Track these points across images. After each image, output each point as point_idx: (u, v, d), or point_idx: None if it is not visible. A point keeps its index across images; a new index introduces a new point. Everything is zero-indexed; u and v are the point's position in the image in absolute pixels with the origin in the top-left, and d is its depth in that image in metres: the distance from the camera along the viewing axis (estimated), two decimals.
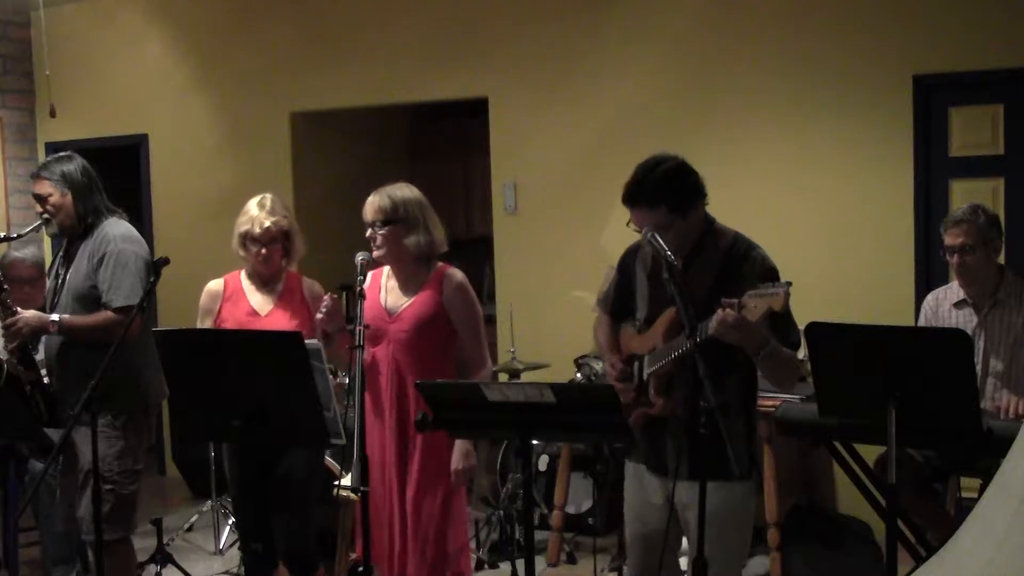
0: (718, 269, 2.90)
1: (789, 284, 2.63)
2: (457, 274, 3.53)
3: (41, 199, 3.96)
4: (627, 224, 2.99)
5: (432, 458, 3.48)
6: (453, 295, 3.49)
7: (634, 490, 3.15)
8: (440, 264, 3.57)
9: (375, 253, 3.50)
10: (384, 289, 3.59)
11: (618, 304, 3.26)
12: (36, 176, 4.01)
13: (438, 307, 3.48)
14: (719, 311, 2.68)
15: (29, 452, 4.57)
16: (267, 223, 3.80)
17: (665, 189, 2.88)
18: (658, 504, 3.06)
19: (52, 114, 5.87)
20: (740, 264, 2.92)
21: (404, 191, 3.53)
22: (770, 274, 2.86)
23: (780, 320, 2.81)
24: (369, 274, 3.64)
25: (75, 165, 3.99)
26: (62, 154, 4.15)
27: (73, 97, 7.18)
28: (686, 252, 2.92)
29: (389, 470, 3.53)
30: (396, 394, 3.50)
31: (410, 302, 3.50)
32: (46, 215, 3.96)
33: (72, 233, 3.99)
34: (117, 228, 3.94)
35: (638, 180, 2.90)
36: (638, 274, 3.14)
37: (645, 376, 3.03)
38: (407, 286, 3.54)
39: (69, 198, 3.94)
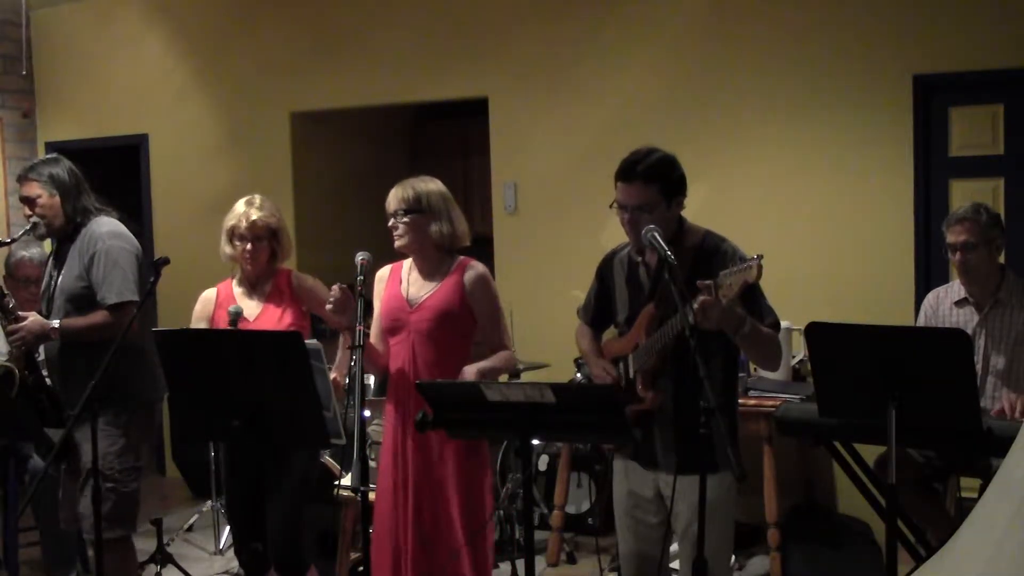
0: (690, 265, 2.93)
1: (760, 257, 2.67)
2: (479, 266, 3.55)
3: (30, 201, 3.95)
4: (610, 205, 3.03)
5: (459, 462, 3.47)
6: (475, 287, 3.50)
7: (623, 485, 3.18)
8: (462, 257, 3.58)
9: (396, 243, 3.51)
10: (406, 281, 3.58)
11: (598, 312, 3.32)
12: (24, 178, 3.98)
13: (461, 299, 3.48)
14: (696, 300, 2.72)
15: (37, 452, 4.58)
16: (254, 217, 3.84)
17: (661, 170, 2.99)
18: (648, 497, 3.10)
19: (25, 115, 5.89)
20: (711, 259, 2.96)
21: (428, 184, 3.55)
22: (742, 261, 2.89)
23: (754, 301, 2.88)
24: (386, 268, 3.65)
25: (62, 166, 3.99)
26: (48, 156, 4.16)
27: (73, 97, 7.19)
28: None
29: (405, 465, 3.50)
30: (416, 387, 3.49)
31: (432, 292, 3.50)
32: (35, 217, 3.96)
33: (61, 234, 3.99)
34: (104, 226, 3.94)
35: (636, 158, 2.99)
36: (616, 279, 3.20)
37: (632, 373, 3.07)
38: (430, 277, 3.54)
39: (58, 199, 3.93)
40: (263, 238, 3.85)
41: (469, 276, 3.50)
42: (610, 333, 3.31)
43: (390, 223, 3.51)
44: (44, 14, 7.21)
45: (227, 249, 3.88)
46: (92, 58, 7.14)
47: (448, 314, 3.46)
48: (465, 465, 3.47)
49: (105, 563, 3.62)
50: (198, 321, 3.93)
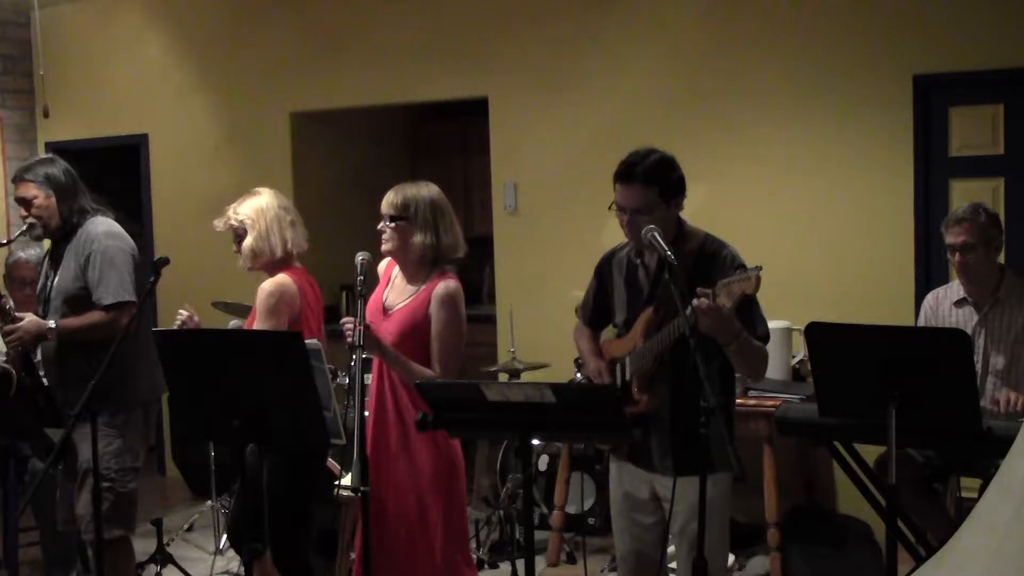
0: (690, 270, 2.92)
1: (759, 268, 2.67)
2: (450, 285, 3.46)
3: (25, 202, 3.93)
4: (609, 207, 3.03)
5: (410, 459, 3.48)
6: (436, 302, 3.43)
7: (619, 487, 3.18)
8: (443, 271, 3.51)
9: (382, 247, 3.51)
10: (391, 284, 3.60)
11: (596, 312, 3.31)
12: (19, 179, 3.96)
13: (426, 315, 3.44)
14: (694, 300, 2.72)
15: (33, 452, 4.58)
16: (229, 215, 3.84)
17: (660, 171, 2.98)
18: (643, 499, 3.10)
19: (46, 114, 5.88)
20: (711, 264, 2.96)
21: (421, 190, 3.50)
22: (741, 270, 2.88)
23: (748, 311, 2.87)
24: (384, 262, 3.66)
25: (58, 167, 3.98)
26: (44, 156, 4.14)
27: (73, 97, 7.19)
28: None
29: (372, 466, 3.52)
30: (378, 390, 3.52)
31: (403, 305, 3.49)
32: (31, 219, 3.94)
33: (57, 235, 3.98)
34: (100, 226, 3.93)
35: (635, 160, 2.98)
36: (615, 279, 3.20)
37: (628, 375, 3.07)
38: (408, 288, 3.53)
39: (54, 200, 3.92)
40: (239, 237, 3.84)
41: (436, 291, 3.44)
42: (610, 331, 3.32)
43: (379, 225, 3.51)
44: (44, 14, 7.19)
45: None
46: (92, 58, 7.14)
47: (413, 328, 3.43)
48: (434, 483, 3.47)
49: (104, 562, 3.61)
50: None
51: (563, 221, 5.75)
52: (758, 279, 2.65)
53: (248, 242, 3.81)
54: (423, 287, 3.48)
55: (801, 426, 3.75)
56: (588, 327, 3.37)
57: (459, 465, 3.53)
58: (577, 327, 3.42)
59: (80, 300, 3.86)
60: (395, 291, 3.56)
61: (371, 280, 3.55)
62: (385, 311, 3.53)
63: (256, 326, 3.76)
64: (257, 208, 3.84)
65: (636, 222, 2.95)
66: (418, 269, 3.51)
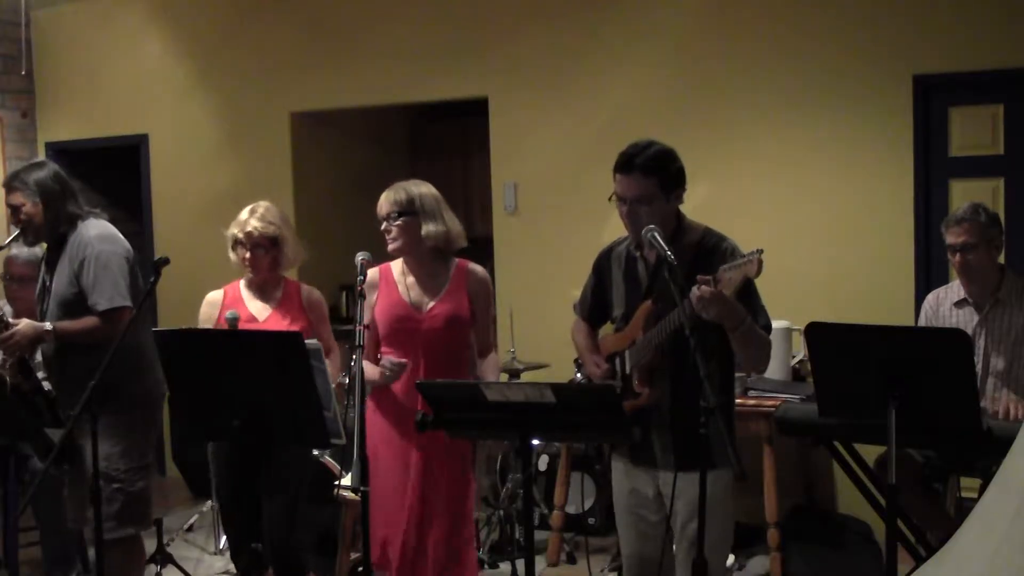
0: (689, 263, 2.91)
1: (760, 251, 2.65)
2: (480, 268, 3.63)
3: (15, 209, 3.93)
4: (609, 199, 3.02)
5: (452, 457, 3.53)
6: (480, 289, 3.60)
7: (624, 484, 3.17)
8: (459, 260, 3.61)
9: (390, 246, 3.51)
10: (403, 285, 3.58)
11: (594, 307, 3.31)
12: (7, 186, 3.96)
13: (468, 303, 3.55)
14: (695, 288, 2.71)
15: (33, 452, 4.58)
16: (249, 227, 3.85)
17: (660, 162, 2.97)
18: (649, 496, 3.09)
19: (23, 115, 5.91)
20: (711, 256, 2.95)
21: (420, 186, 3.57)
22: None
23: (749, 303, 2.87)
24: (374, 271, 3.63)
25: (47, 172, 3.95)
26: (34, 161, 4.13)
27: (73, 97, 7.19)
28: None
29: (410, 472, 3.53)
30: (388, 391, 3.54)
31: (440, 299, 3.52)
32: (21, 225, 3.94)
33: (49, 240, 3.97)
34: (93, 230, 3.91)
35: (635, 151, 2.98)
36: (614, 273, 3.19)
37: (628, 369, 3.06)
38: (431, 282, 3.55)
39: (41, 207, 3.90)
40: (261, 246, 3.87)
41: (473, 279, 3.56)
42: (606, 329, 3.31)
43: (383, 227, 3.52)
44: (44, 14, 7.21)
45: (232, 255, 3.91)
46: (92, 58, 7.14)
47: (458, 319, 3.52)
48: (454, 490, 3.54)
49: (113, 561, 3.61)
50: (205, 323, 3.93)
51: (563, 221, 5.75)
52: (760, 262, 2.64)
53: (290, 252, 3.93)
54: (450, 278, 3.54)
55: (801, 426, 3.75)
56: (586, 322, 3.37)
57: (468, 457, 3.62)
58: (575, 323, 3.41)
59: (75, 305, 3.85)
60: (416, 291, 3.55)
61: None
62: (416, 310, 3.53)
63: (326, 333, 3.95)
64: (285, 218, 3.98)
65: (636, 212, 2.95)
66: (432, 261, 3.55)
